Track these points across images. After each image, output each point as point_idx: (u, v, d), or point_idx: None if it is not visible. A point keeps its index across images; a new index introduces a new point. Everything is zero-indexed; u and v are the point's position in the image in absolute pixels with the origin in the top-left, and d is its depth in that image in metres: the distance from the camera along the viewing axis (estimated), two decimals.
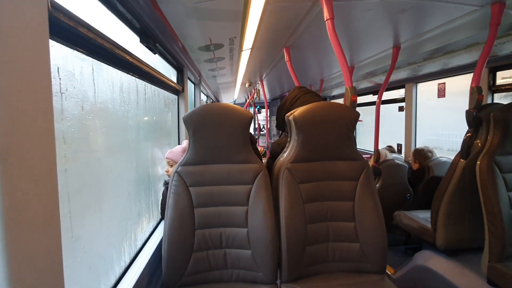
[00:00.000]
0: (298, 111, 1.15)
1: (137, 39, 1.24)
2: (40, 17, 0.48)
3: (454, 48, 1.86)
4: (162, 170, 1.62)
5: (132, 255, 1.17)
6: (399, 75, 2.66)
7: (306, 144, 1.16)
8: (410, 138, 2.79)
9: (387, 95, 3.17)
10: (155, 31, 1.32)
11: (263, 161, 1.34)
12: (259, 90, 4.29)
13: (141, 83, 1.31)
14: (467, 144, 1.44)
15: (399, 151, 3.11)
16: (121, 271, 1.04)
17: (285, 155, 1.21)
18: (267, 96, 4.76)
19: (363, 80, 3.22)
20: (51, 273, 0.49)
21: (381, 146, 2.98)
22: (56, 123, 0.51)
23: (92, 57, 0.84)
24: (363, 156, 1.23)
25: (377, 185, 2.22)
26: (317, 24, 1.43)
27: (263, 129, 7.01)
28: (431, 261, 1.56)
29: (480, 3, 1.24)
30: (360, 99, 3.72)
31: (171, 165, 1.46)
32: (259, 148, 3.01)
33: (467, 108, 1.45)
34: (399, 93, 3.08)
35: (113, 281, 0.97)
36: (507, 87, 1.97)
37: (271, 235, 1.08)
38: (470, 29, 1.51)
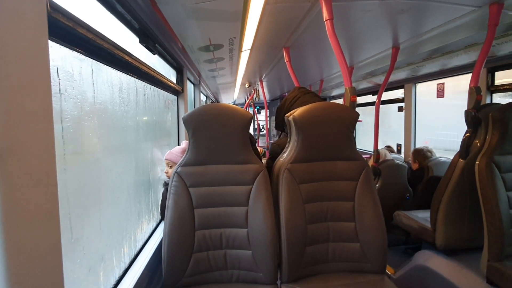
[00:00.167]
0: (298, 111, 1.16)
1: (137, 39, 1.24)
2: (39, 18, 0.48)
3: (453, 49, 1.87)
4: (162, 171, 1.62)
5: (132, 256, 1.16)
6: (398, 75, 2.66)
7: (306, 144, 1.16)
8: (410, 138, 2.80)
9: (387, 95, 3.18)
10: (154, 31, 1.32)
11: (262, 161, 1.34)
12: (258, 90, 4.30)
13: (140, 84, 1.31)
14: (466, 144, 1.44)
15: (399, 151, 3.11)
16: (121, 272, 1.04)
17: (285, 156, 1.21)
18: (267, 97, 4.76)
19: (362, 81, 3.23)
20: (51, 274, 0.49)
21: (380, 146, 2.99)
22: (55, 124, 0.51)
23: (91, 58, 0.84)
24: (363, 156, 1.24)
25: (377, 185, 2.23)
26: (317, 25, 1.43)
27: (262, 130, 7.01)
28: (431, 261, 1.56)
29: (478, 3, 1.24)
30: (360, 99, 3.73)
31: (170, 166, 1.46)
32: (258, 149, 3.02)
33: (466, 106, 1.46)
34: (400, 93, 3.08)
35: (113, 282, 0.97)
36: (505, 87, 1.98)
37: (271, 235, 1.08)
38: (468, 30, 1.52)
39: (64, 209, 0.64)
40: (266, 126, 5.41)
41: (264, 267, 1.09)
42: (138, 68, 1.17)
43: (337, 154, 1.19)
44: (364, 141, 4.18)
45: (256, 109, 6.41)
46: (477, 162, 1.30)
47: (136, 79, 1.24)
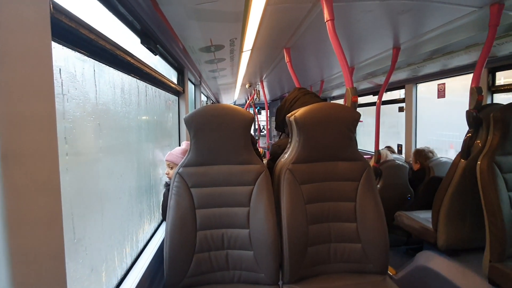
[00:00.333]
0: (299, 112, 1.16)
1: (138, 40, 1.24)
2: (42, 19, 0.48)
3: (453, 49, 1.87)
4: (163, 172, 1.62)
5: (134, 256, 1.16)
6: (399, 75, 2.66)
7: (307, 144, 1.16)
8: (410, 138, 2.80)
9: (387, 96, 3.17)
10: (156, 32, 1.32)
11: (263, 162, 1.34)
12: (259, 91, 4.30)
13: (142, 84, 1.31)
14: (468, 145, 1.44)
15: (399, 152, 3.11)
16: (123, 272, 1.04)
17: (286, 156, 1.21)
18: (267, 97, 4.76)
19: (363, 81, 3.23)
20: (54, 274, 0.49)
21: (384, 147, 2.99)
22: (58, 124, 0.51)
23: (94, 59, 0.84)
24: (364, 156, 1.24)
25: (378, 186, 2.22)
26: (317, 25, 1.43)
27: (263, 130, 7.01)
28: (432, 261, 1.56)
29: (479, 4, 1.24)
30: (360, 100, 3.72)
31: (171, 167, 1.46)
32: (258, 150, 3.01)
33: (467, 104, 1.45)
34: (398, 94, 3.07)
35: (115, 282, 0.97)
36: (506, 87, 1.97)
37: (272, 236, 1.08)
38: (469, 30, 1.52)
39: (66, 210, 0.65)
40: (267, 126, 5.40)
41: (265, 267, 1.09)
42: (140, 69, 1.17)
43: (339, 155, 1.19)
44: (364, 142, 4.17)
45: (256, 110, 6.42)
46: (479, 163, 1.30)
47: (137, 80, 1.24)
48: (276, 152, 1.40)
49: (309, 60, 2.38)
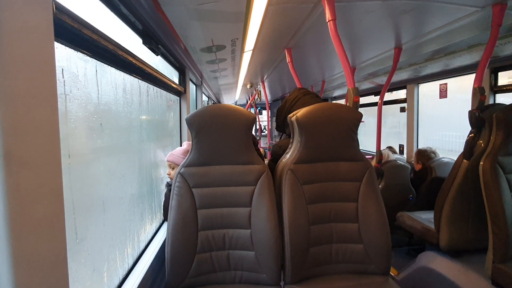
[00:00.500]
0: (301, 112, 1.15)
1: (140, 40, 1.25)
2: (45, 19, 0.48)
3: (455, 49, 1.87)
4: (164, 172, 1.62)
5: (136, 256, 1.16)
6: (400, 76, 2.66)
7: (309, 145, 1.16)
8: (412, 138, 2.79)
9: (390, 96, 3.16)
10: (157, 32, 1.32)
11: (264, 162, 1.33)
12: (260, 91, 4.30)
13: (143, 85, 1.32)
14: (470, 145, 1.43)
15: (401, 152, 3.10)
16: (124, 272, 1.04)
17: (288, 156, 1.21)
18: (269, 97, 4.76)
19: (364, 81, 3.22)
20: (56, 274, 0.49)
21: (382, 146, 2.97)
22: (60, 125, 0.51)
23: (96, 59, 0.84)
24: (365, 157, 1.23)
25: (380, 186, 2.22)
26: (319, 25, 1.43)
27: (264, 130, 7.01)
28: (435, 262, 1.55)
29: (481, 4, 1.24)
30: (362, 100, 3.71)
31: (172, 168, 1.46)
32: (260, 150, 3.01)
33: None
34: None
35: (116, 282, 0.97)
36: (509, 87, 1.97)
37: (274, 236, 1.08)
38: (471, 30, 1.51)
39: (68, 210, 0.65)
40: (268, 126, 5.40)
41: (267, 268, 1.09)
42: (141, 69, 1.17)
43: (340, 155, 1.19)
44: (366, 142, 4.16)
45: (257, 110, 6.42)
46: (481, 163, 1.30)
47: (139, 80, 1.25)
48: (277, 152, 1.40)
49: (310, 60, 2.38)
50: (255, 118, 1.18)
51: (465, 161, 1.45)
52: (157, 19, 1.20)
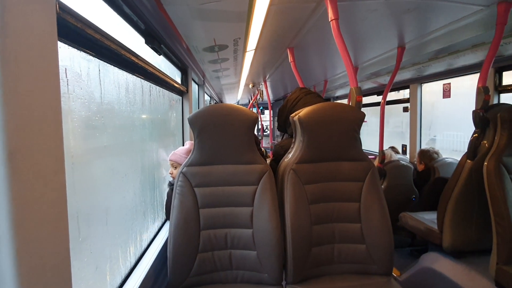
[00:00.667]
0: (303, 111, 1.15)
1: (143, 40, 1.25)
2: (48, 19, 0.48)
3: (459, 48, 1.85)
4: (167, 171, 1.62)
5: (138, 255, 1.17)
6: (403, 75, 2.64)
7: (311, 144, 1.15)
8: (415, 138, 2.77)
9: (396, 95, 3.13)
10: (160, 32, 1.32)
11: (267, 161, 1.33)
12: (262, 91, 4.30)
13: (146, 84, 1.32)
14: (474, 145, 1.42)
15: (404, 152, 3.08)
16: (126, 271, 1.04)
17: (290, 156, 1.20)
18: (271, 97, 4.76)
19: (367, 81, 3.21)
20: (59, 273, 0.49)
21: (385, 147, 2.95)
22: (63, 124, 0.51)
23: (99, 58, 0.84)
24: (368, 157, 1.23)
25: (382, 186, 2.20)
26: (321, 25, 1.42)
27: (266, 130, 7.01)
28: (438, 263, 1.54)
29: (486, 2, 1.23)
30: (364, 100, 3.69)
31: (174, 167, 1.46)
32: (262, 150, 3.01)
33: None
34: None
35: (119, 281, 0.97)
36: None
37: (276, 236, 1.08)
38: (475, 29, 1.50)
39: (72, 209, 0.65)
40: (270, 126, 5.40)
41: (269, 267, 1.09)
42: (144, 69, 1.17)
43: (343, 155, 1.18)
44: (368, 142, 4.14)
45: (259, 110, 6.41)
46: (486, 163, 1.29)
47: (142, 80, 1.25)
48: (278, 152, 1.40)
49: (313, 60, 2.37)
50: (257, 118, 1.18)
51: (469, 161, 1.43)
52: (160, 18, 1.20)
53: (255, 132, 1.26)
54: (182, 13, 1.18)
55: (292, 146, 1.24)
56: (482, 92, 1.40)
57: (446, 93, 2.55)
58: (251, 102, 5.74)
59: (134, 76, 1.15)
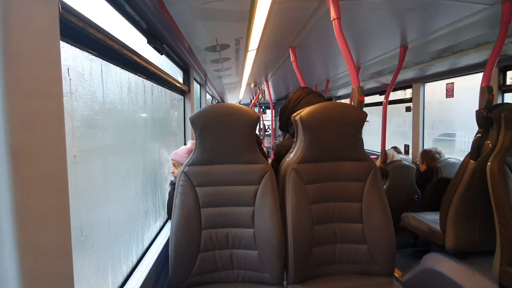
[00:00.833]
0: (305, 111, 1.15)
1: (145, 40, 1.25)
2: (51, 19, 0.49)
3: (463, 47, 1.83)
4: (168, 170, 1.63)
5: (140, 254, 1.17)
6: (406, 74, 2.62)
7: (312, 144, 1.15)
8: (418, 138, 2.76)
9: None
10: (162, 32, 1.33)
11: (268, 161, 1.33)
12: (264, 90, 4.29)
13: (148, 84, 1.32)
14: (477, 145, 1.41)
15: (406, 152, 3.07)
16: (128, 270, 1.05)
17: (292, 156, 1.20)
18: (273, 97, 4.75)
19: (369, 80, 3.19)
20: (61, 271, 0.49)
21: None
22: (66, 123, 0.51)
23: (101, 58, 0.85)
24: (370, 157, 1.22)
25: (384, 186, 2.20)
26: (324, 24, 1.42)
27: (268, 130, 7.00)
28: (440, 264, 1.53)
29: (490, 1, 1.22)
30: (367, 99, 3.67)
31: (176, 166, 1.46)
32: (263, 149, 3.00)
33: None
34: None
35: (120, 280, 0.98)
36: None
37: (277, 236, 1.08)
38: (479, 28, 1.49)
39: (74, 207, 0.65)
40: (272, 126, 5.39)
41: (270, 267, 1.09)
42: (146, 68, 1.18)
43: (345, 155, 1.18)
44: (370, 141, 4.13)
45: (261, 109, 6.41)
46: (489, 163, 1.27)
47: (144, 79, 1.25)
48: (280, 152, 1.40)
49: (314, 59, 2.36)
50: (259, 117, 1.18)
51: (472, 161, 1.42)
52: (162, 18, 1.20)
53: (257, 132, 1.26)
54: (184, 13, 1.18)
55: (293, 145, 1.24)
56: (486, 92, 1.38)
57: (449, 92, 2.53)
58: (252, 101, 5.74)
59: (136, 76, 1.16)
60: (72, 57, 0.71)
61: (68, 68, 0.68)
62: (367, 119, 1.18)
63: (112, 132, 0.96)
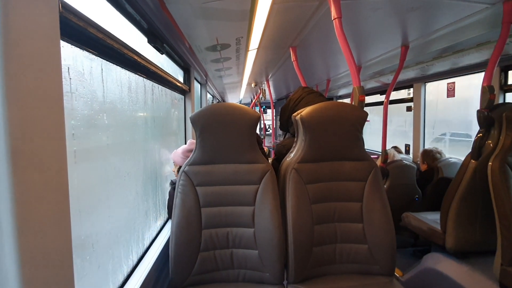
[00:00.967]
0: (305, 110, 1.15)
1: (145, 39, 1.25)
2: (51, 18, 0.48)
3: (464, 47, 1.83)
4: (169, 169, 1.63)
5: (140, 254, 1.17)
6: (407, 74, 2.62)
7: (313, 144, 1.15)
8: (419, 138, 2.75)
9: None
10: (162, 31, 1.33)
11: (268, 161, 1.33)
12: (265, 90, 4.29)
13: (148, 83, 1.32)
14: (478, 145, 1.41)
15: (407, 152, 3.06)
16: (129, 270, 1.05)
17: (292, 155, 1.20)
18: (273, 96, 4.75)
19: (370, 80, 3.19)
20: (62, 271, 0.49)
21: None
22: (66, 122, 0.51)
23: (102, 57, 0.85)
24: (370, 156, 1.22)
25: (385, 186, 2.19)
26: (324, 24, 1.42)
27: (268, 129, 7.00)
28: (441, 264, 1.53)
29: (492, 1, 1.21)
30: (367, 99, 3.66)
31: (175, 165, 1.46)
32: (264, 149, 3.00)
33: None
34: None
35: (121, 280, 0.98)
36: None
37: (278, 235, 1.08)
38: (481, 28, 1.48)
39: (74, 207, 0.65)
40: (273, 125, 5.39)
41: (270, 267, 1.09)
42: (147, 68, 1.18)
43: (345, 154, 1.17)
44: (371, 141, 4.12)
45: (262, 109, 6.40)
46: (490, 163, 1.27)
47: (144, 79, 1.25)
48: (281, 152, 1.39)
49: (315, 59, 2.36)
50: (260, 117, 1.18)
51: (473, 161, 1.42)
52: (162, 17, 1.20)
53: (257, 131, 1.26)
54: (184, 12, 1.18)
55: (294, 145, 1.24)
56: (487, 91, 1.38)
57: (450, 92, 2.53)
58: (253, 101, 5.74)
59: (136, 75, 1.16)
60: (72, 56, 0.71)
61: (68, 67, 0.68)
62: (367, 119, 1.18)
63: (112, 131, 0.96)
